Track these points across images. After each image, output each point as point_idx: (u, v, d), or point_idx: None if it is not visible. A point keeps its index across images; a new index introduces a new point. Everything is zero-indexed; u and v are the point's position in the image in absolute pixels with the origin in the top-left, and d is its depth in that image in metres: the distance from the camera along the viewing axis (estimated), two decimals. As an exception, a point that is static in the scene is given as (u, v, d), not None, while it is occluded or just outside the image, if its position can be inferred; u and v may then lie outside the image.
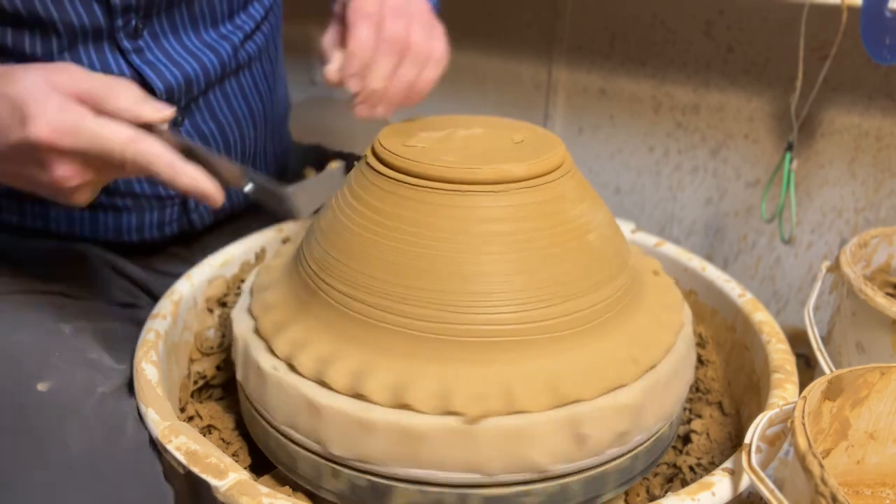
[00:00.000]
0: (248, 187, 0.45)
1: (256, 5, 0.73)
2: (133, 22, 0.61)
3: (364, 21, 0.52)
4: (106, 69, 0.61)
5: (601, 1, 1.20)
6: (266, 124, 0.77)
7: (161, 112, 0.46)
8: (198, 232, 0.75)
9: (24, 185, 0.48)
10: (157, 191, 0.67)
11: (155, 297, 0.71)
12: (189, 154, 0.46)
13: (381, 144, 0.53)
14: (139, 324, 0.62)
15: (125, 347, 0.60)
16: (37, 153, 0.45)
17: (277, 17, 0.79)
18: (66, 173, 0.46)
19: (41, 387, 0.50)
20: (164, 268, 0.74)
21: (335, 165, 0.45)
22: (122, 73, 0.62)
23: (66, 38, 0.59)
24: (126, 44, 0.61)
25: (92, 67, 0.61)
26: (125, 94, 0.46)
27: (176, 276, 0.67)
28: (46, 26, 0.57)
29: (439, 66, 0.56)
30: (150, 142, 0.45)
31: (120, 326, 0.63)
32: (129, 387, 0.57)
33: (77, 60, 0.60)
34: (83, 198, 0.48)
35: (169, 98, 0.64)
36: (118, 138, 0.44)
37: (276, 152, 0.82)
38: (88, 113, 0.45)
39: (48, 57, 0.59)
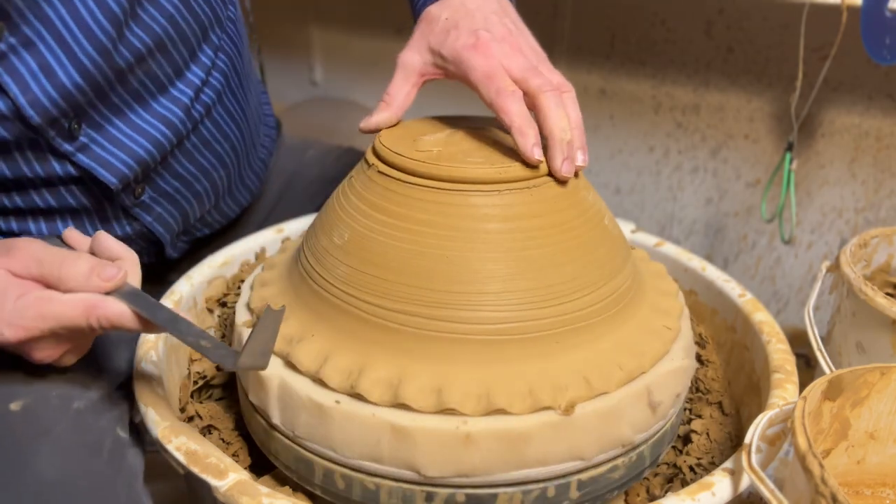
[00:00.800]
0: (205, 348, 0.46)
1: (206, 48, 0.65)
2: (66, 126, 0.56)
3: (496, 86, 0.50)
4: (51, 174, 0.58)
5: (601, 1, 1.20)
6: (238, 160, 0.73)
7: (112, 281, 0.46)
8: (176, 259, 0.74)
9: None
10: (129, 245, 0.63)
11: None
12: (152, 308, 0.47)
13: (382, 143, 0.53)
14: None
15: (116, 351, 0.59)
16: (11, 347, 0.47)
17: (236, 43, 0.70)
18: (44, 355, 0.48)
19: (14, 406, 0.49)
20: (156, 276, 0.73)
21: (270, 308, 0.45)
22: (69, 175, 0.58)
23: None
24: (66, 147, 0.56)
25: (35, 174, 0.57)
26: (74, 270, 0.46)
27: (167, 283, 0.67)
28: None
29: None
30: (108, 305, 0.45)
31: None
32: (117, 392, 0.56)
33: (17, 170, 0.57)
34: (71, 360, 0.50)
35: (126, 186, 0.61)
36: (77, 312, 0.45)
37: (256, 171, 0.79)
38: (44, 297, 0.46)
39: None
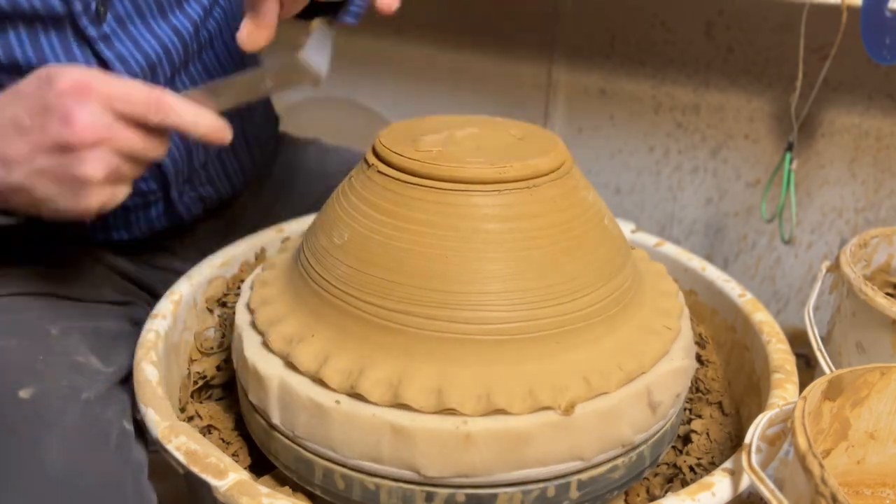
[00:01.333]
0: (269, 83, 0.50)
1: None
2: (93, 5, 0.57)
3: None
4: (72, 61, 0.59)
5: (601, 1, 1.20)
6: (239, 110, 0.76)
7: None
8: (188, 224, 0.74)
9: (44, 186, 0.47)
10: (138, 187, 0.65)
11: (150, 293, 0.71)
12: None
13: (382, 143, 0.53)
14: (135, 322, 0.62)
15: (118, 347, 0.60)
16: (61, 99, 0.45)
17: None
18: (96, 164, 0.46)
19: (23, 394, 0.49)
20: (159, 263, 0.74)
21: (320, 24, 0.47)
22: (89, 65, 0.60)
23: (23, 28, 0.56)
24: (91, 31, 0.58)
25: (57, 60, 0.58)
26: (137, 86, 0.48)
27: (171, 271, 0.67)
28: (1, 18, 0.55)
29: None
30: (169, 93, 0.47)
31: (113, 325, 0.62)
32: (120, 386, 0.56)
33: (40, 53, 0.57)
34: (99, 196, 0.47)
35: None
36: (142, 92, 0.47)
37: (261, 141, 0.80)
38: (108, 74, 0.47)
39: (8, 51, 0.56)
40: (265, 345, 0.51)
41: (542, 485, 0.46)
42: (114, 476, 0.49)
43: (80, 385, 0.52)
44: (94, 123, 0.45)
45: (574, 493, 0.48)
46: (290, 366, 0.48)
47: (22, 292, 0.60)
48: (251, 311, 0.54)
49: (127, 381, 0.58)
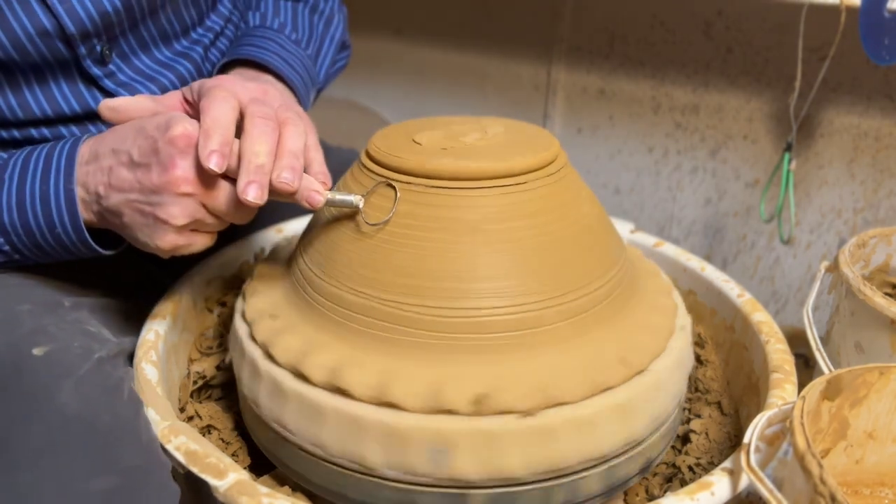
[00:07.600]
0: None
1: (225, 1, 0.73)
2: (98, 48, 0.59)
3: (210, 91, 0.50)
4: (81, 101, 0.60)
5: (601, 1, 1.20)
6: None
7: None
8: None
9: (131, 216, 0.50)
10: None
11: (159, 277, 0.71)
12: None
13: (376, 144, 0.53)
14: (143, 299, 0.63)
15: (125, 324, 0.61)
16: (168, 147, 0.47)
17: (242, 12, 0.77)
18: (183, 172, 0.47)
19: (37, 351, 0.50)
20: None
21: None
22: (96, 101, 0.61)
23: (32, 74, 0.58)
24: (95, 70, 0.60)
25: (66, 101, 0.60)
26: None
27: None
28: (9, 66, 0.56)
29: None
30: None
31: (122, 304, 0.64)
32: (128, 358, 0.57)
33: (49, 95, 0.59)
34: (176, 240, 0.50)
35: None
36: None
37: None
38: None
39: (19, 92, 0.58)
40: (302, 377, 0.48)
41: (612, 462, 0.48)
42: (128, 423, 0.49)
43: (92, 347, 0.53)
44: (188, 177, 0.47)
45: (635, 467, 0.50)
46: (342, 392, 0.47)
47: (36, 268, 0.61)
48: (247, 322, 0.54)
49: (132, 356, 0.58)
